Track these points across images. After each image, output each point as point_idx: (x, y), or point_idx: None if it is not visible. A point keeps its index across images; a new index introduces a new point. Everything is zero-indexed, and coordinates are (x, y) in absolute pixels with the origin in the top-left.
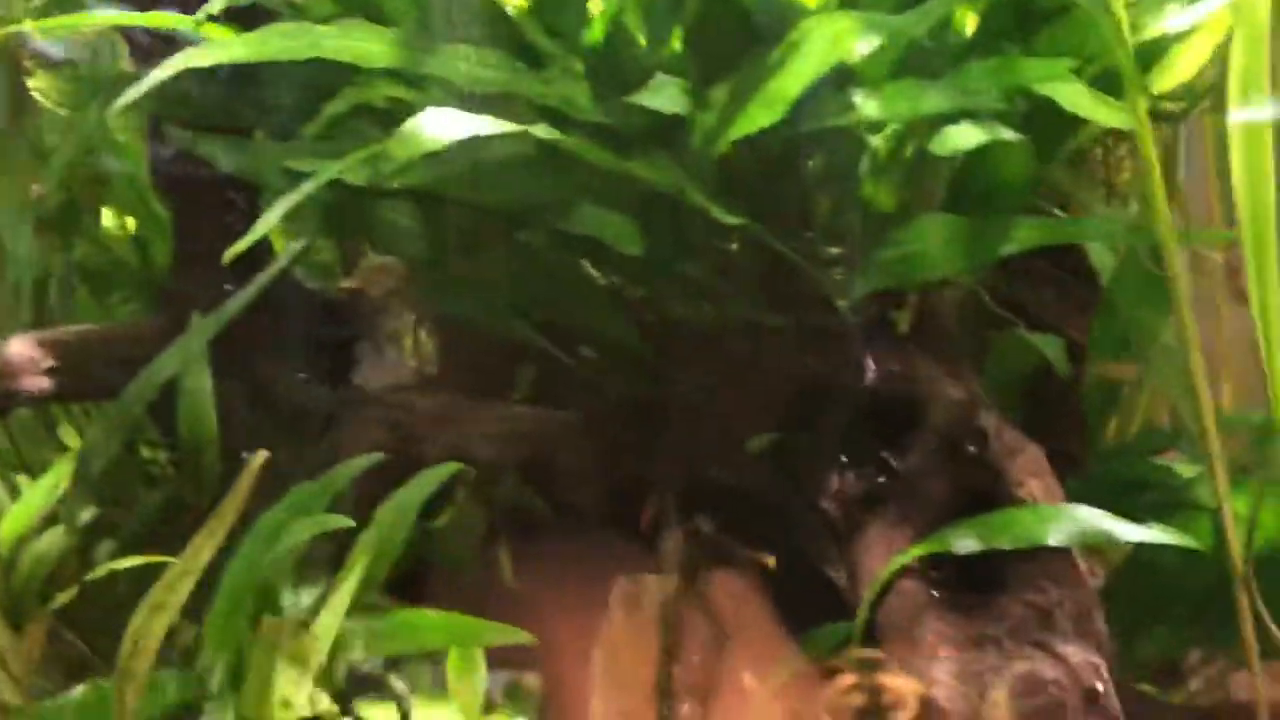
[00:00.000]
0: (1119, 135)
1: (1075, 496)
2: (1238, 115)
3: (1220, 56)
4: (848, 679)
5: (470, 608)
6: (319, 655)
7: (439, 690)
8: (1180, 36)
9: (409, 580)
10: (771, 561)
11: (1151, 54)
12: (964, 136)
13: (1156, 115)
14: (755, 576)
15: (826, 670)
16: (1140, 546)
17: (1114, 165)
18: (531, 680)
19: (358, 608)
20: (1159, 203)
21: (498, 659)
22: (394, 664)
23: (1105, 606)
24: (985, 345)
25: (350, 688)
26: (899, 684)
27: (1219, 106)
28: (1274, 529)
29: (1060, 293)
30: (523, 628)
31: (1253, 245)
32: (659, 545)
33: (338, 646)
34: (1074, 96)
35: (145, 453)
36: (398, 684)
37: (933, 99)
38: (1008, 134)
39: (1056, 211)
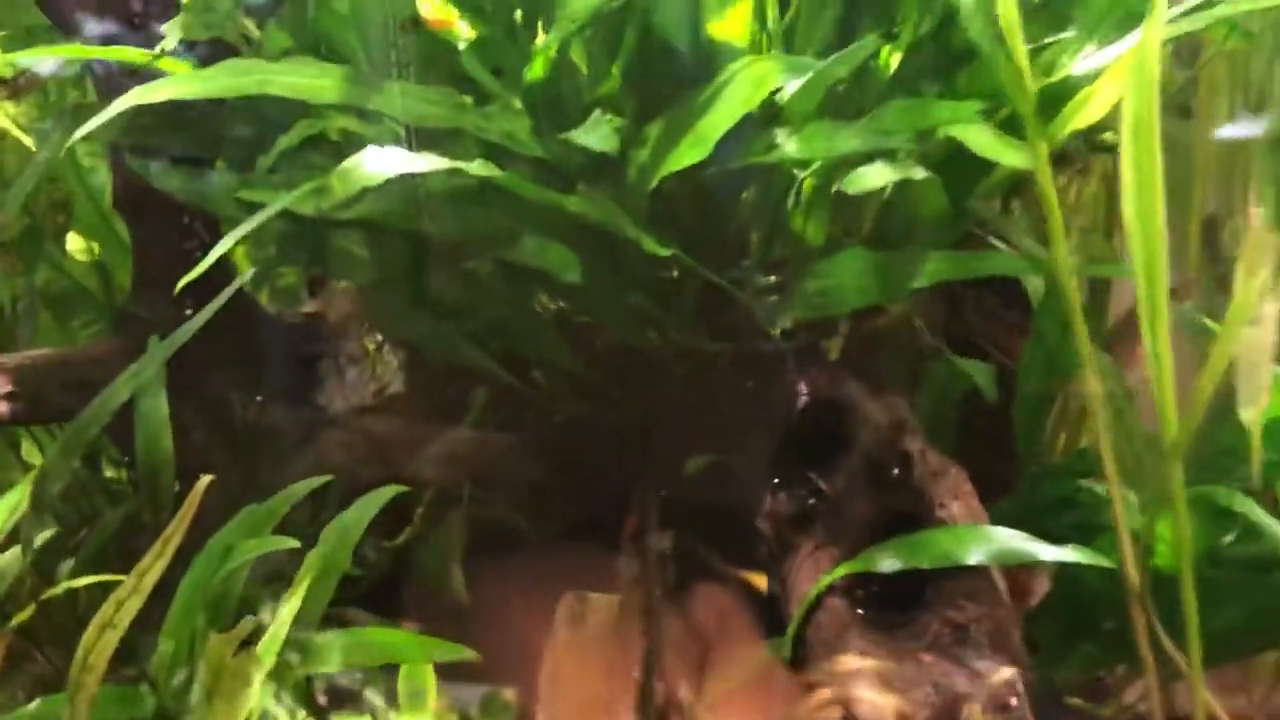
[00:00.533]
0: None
1: (1007, 517)
2: (1127, 162)
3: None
4: (824, 693)
5: (437, 619)
6: (262, 670)
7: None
8: (1090, 78)
9: (385, 594)
10: (759, 580)
11: (1063, 93)
12: (876, 175)
13: (1095, 148)
14: (736, 591)
15: (805, 685)
16: (1065, 566)
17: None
18: (508, 693)
19: (333, 623)
20: (1057, 237)
21: (473, 671)
22: (370, 678)
23: (1040, 623)
24: (922, 371)
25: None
26: (876, 699)
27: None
28: (1174, 544)
29: (996, 321)
30: (483, 638)
31: (1145, 283)
32: (636, 558)
33: (312, 660)
34: (979, 138)
35: (109, 472)
36: (374, 698)
37: (848, 139)
38: (919, 173)
39: (997, 243)
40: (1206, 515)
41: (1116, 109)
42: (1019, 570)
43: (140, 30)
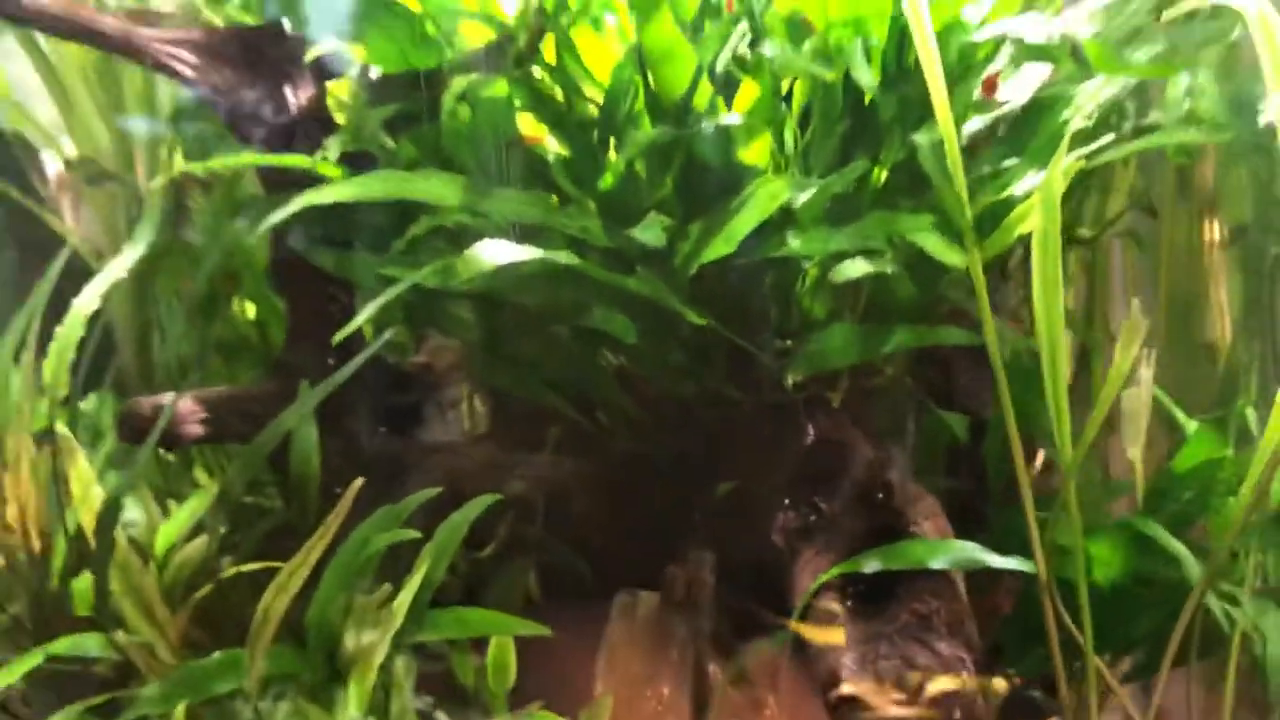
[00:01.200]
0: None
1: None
2: (1036, 265)
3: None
4: None
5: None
6: (397, 622)
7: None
8: (1026, 197)
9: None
10: (805, 630)
11: (1007, 208)
12: (855, 268)
13: (1073, 240)
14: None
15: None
16: (1026, 587)
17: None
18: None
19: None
20: (986, 319)
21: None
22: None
23: (1005, 631)
24: (913, 421)
25: None
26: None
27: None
28: (1113, 563)
29: (974, 379)
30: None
31: (1047, 353)
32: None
33: (424, 629)
34: (931, 243)
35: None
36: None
37: (838, 240)
38: (889, 266)
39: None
40: (1135, 542)
41: (1088, 211)
42: (992, 591)
43: (298, 139)
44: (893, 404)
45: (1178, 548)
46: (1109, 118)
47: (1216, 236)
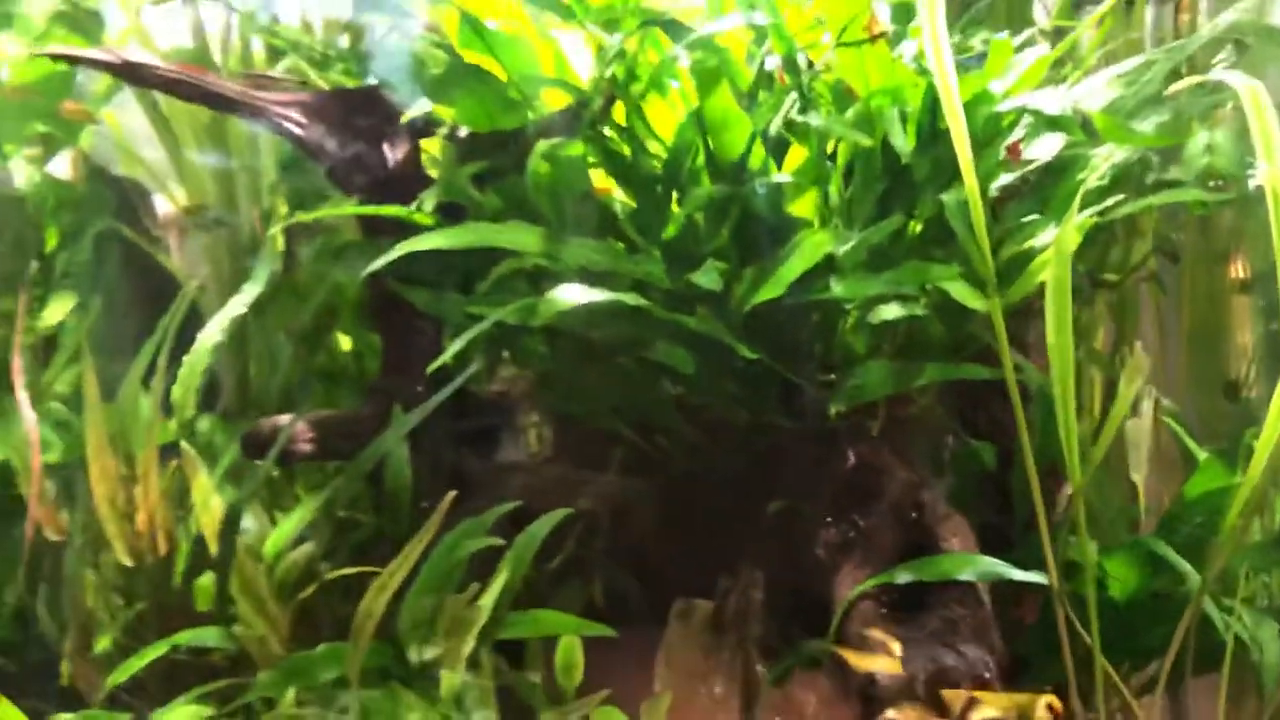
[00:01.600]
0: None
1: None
2: (1049, 308)
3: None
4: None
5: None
6: (483, 620)
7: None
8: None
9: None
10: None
11: (1028, 258)
12: (889, 311)
13: (1098, 284)
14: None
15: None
16: (1046, 605)
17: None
18: None
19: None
20: (1005, 359)
21: None
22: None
23: (1029, 645)
24: (946, 448)
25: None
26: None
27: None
28: (1128, 580)
29: (1003, 410)
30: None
31: (1059, 386)
32: (741, 616)
33: (505, 627)
34: (959, 290)
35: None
36: None
37: (874, 286)
38: (919, 309)
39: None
40: (1148, 560)
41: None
42: (1018, 604)
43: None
44: (928, 432)
45: (1184, 566)
46: (1134, 170)
47: (1241, 276)
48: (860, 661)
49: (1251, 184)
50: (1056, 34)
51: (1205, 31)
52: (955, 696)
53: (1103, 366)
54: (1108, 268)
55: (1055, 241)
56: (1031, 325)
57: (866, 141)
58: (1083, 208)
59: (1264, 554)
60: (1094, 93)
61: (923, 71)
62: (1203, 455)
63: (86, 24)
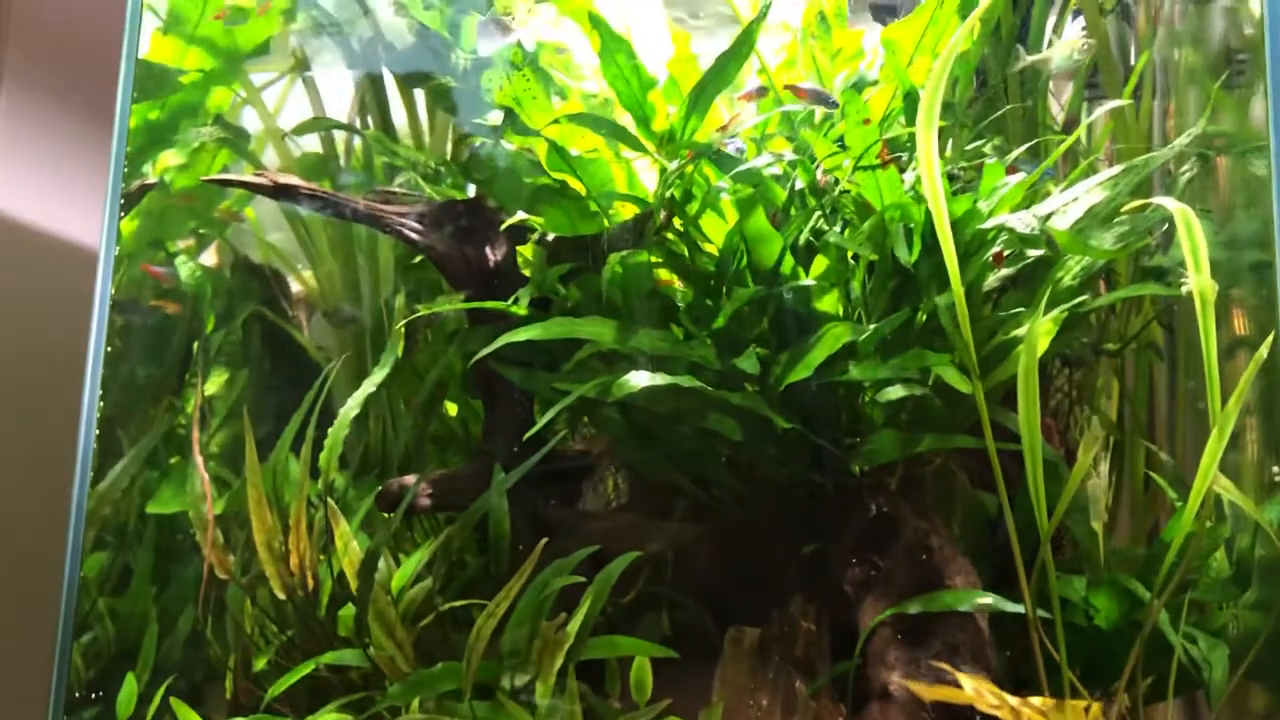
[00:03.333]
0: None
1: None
2: (1020, 386)
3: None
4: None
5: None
6: (569, 642)
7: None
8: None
9: None
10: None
11: (1013, 345)
12: (894, 392)
13: (1099, 352)
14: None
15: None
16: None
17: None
18: None
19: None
20: (986, 430)
21: None
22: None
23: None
24: (960, 500)
25: None
26: (902, 681)
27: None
28: (1111, 611)
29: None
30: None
31: (1028, 448)
32: (784, 641)
33: (586, 649)
34: (950, 375)
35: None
36: None
37: (883, 370)
38: (919, 390)
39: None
40: (1125, 595)
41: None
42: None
43: (496, 286)
44: (943, 486)
45: (1150, 598)
46: (1139, 255)
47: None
48: (925, 692)
49: (1184, 290)
50: (1069, 125)
51: (1165, 151)
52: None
53: (1107, 427)
54: (1109, 338)
55: (1026, 336)
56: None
57: (872, 256)
58: (1063, 300)
59: (1225, 589)
60: (1073, 202)
61: (918, 198)
62: (1179, 503)
63: (236, 141)
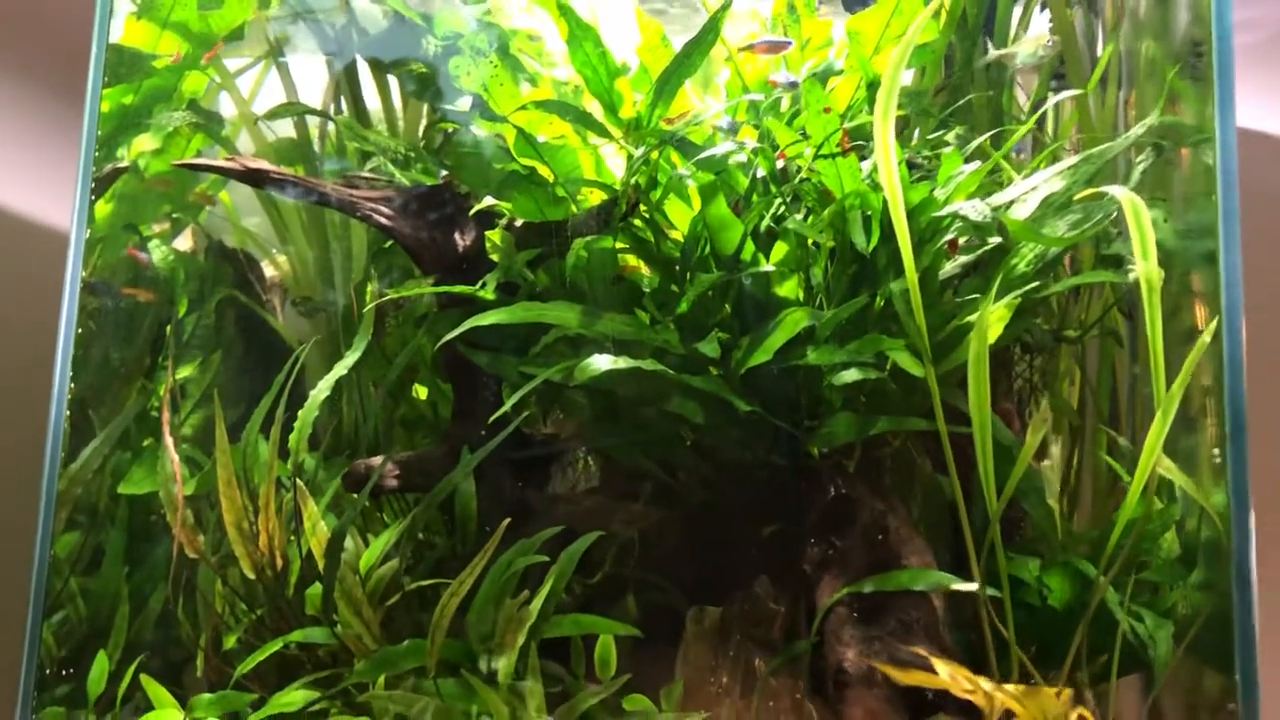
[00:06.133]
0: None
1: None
2: (971, 372)
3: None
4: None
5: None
6: (532, 619)
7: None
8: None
9: None
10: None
11: (965, 332)
12: (849, 375)
13: (1059, 339)
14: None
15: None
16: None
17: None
18: None
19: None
20: (938, 414)
21: None
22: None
23: None
24: (918, 482)
25: None
26: (856, 658)
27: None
28: (1063, 592)
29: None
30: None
31: (978, 431)
32: (744, 620)
33: (550, 627)
34: (903, 359)
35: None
36: None
37: (840, 355)
38: (874, 374)
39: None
40: (1077, 577)
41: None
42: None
43: (465, 271)
44: (903, 471)
45: (1102, 580)
46: (1098, 243)
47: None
48: (900, 676)
49: (1130, 276)
50: (1034, 112)
51: (1120, 141)
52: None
53: (1067, 413)
54: (1070, 325)
55: (976, 322)
56: (999, 379)
57: (830, 242)
58: (1016, 287)
59: (1172, 569)
60: (1031, 191)
61: (876, 186)
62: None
63: (210, 125)
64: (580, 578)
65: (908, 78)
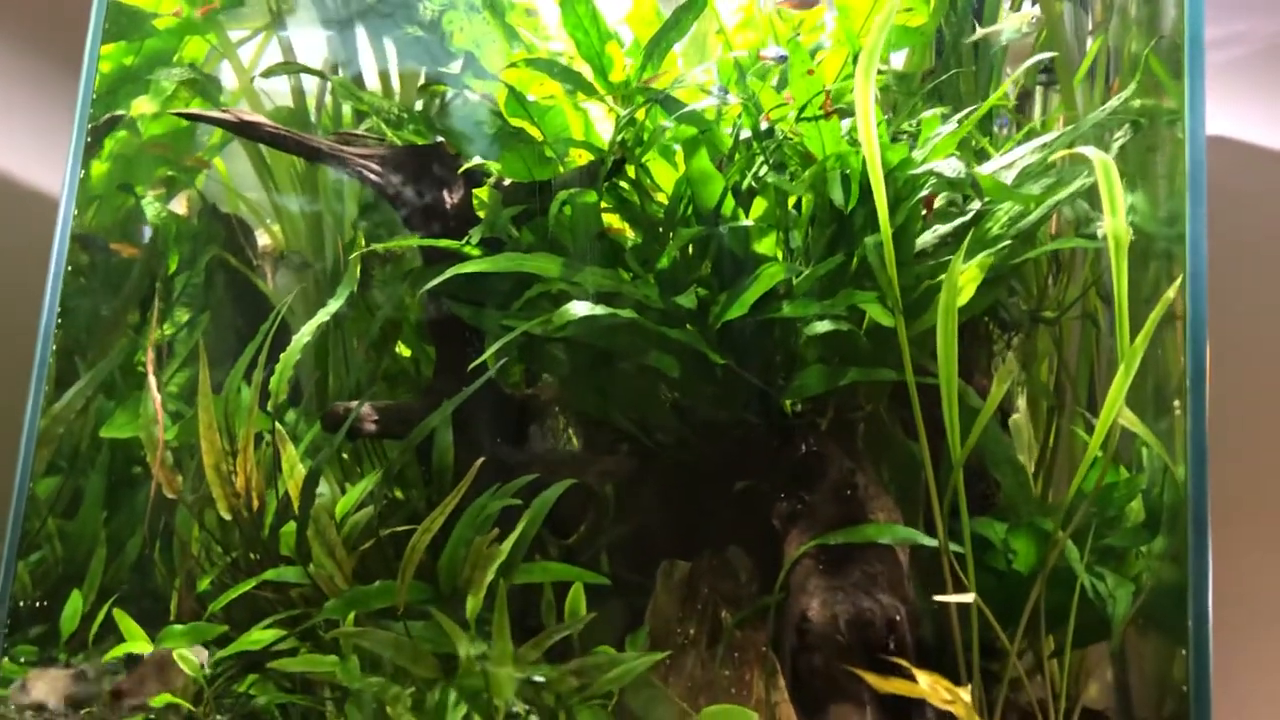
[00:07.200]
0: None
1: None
2: (940, 335)
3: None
4: None
5: None
6: (502, 557)
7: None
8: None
9: None
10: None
11: (935, 291)
12: (820, 326)
13: (1037, 319)
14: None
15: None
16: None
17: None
18: None
19: None
20: (907, 369)
21: None
22: None
23: None
24: (889, 445)
25: None
26: (820, 608)
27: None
28: (1028, 554)
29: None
30: None
31: (945, 386)
32: (712, 574)
33: (520, 573)
34: (875, 310)
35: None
36: None
37: (814, 308)
38: (844, 326)
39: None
40: (1042, 539)
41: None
42: None
43: (452, 228)
44: (876, 435)
45: (1068, 544)
46: (1078, 226)
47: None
48: (881, 684)
49: (1099, 234)
50: (1022, 100)
51: (1095, 114)
52: None
53: (1042, 392)
54: (1048, 306)
55: (946, 278)
56: (970, 355)
57: (808, 196)
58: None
59: (1136, 534)
60: (1011, 159)
61: (854, 143)
62: (1097, 455)
63: (208, 87)
64: (557, 539)
65: (898, 61)
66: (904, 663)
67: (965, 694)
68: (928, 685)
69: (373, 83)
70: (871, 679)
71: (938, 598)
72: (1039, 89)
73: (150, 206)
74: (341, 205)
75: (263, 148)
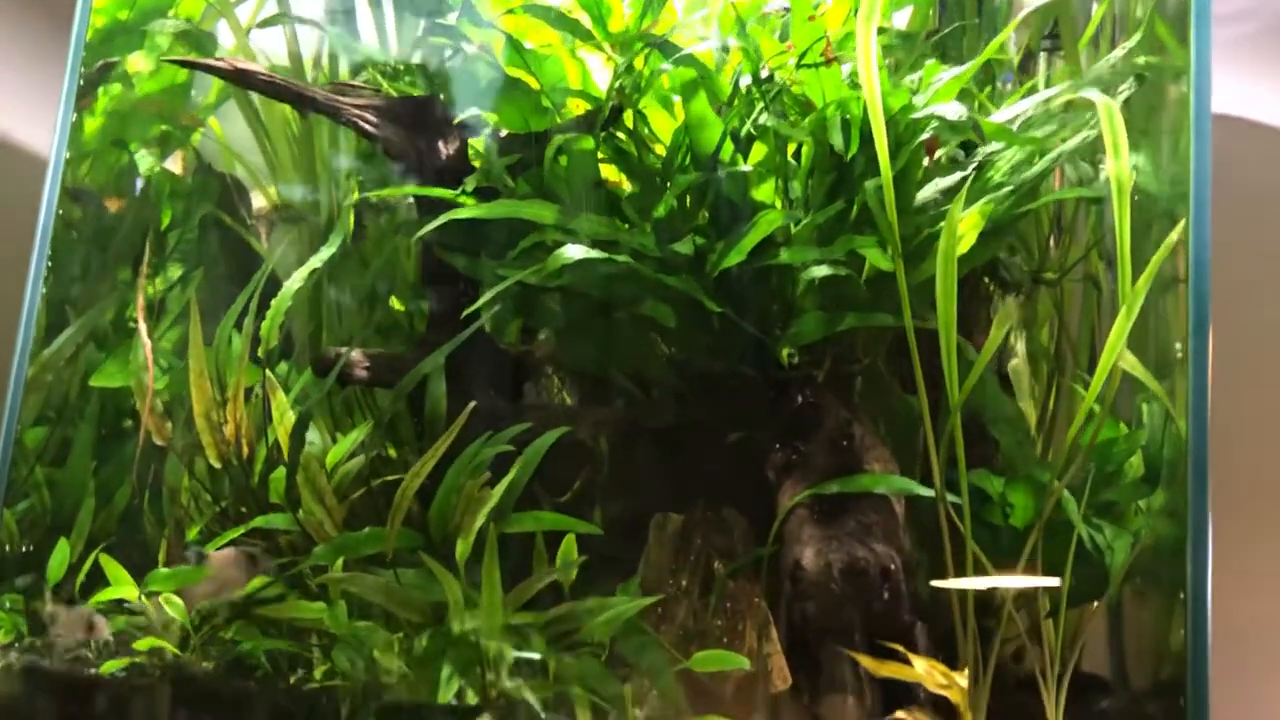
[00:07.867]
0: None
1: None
2: (940, 286)
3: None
4: None
5: None
6: (493, 502)
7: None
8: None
9: None
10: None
11: (935, 238)
12: (818, 270)
13: (1038, 280)
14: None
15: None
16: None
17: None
18: None
19: None
20: (906, 316)
21: None
22: None
23: None
24: (887, 398)
25: None
26: (814, 557)
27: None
28: (1027, 508)
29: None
30: None
31: (944, 331)
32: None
33: (510, 523)
34: (874, 255)
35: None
36: None
37: (812, 254)
38: (842, 270)
39: None
40: (1040, 491)
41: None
42: None
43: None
44: (873, 389)
45: (1066, 496)
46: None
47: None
48: (876, 668)
49: (1102, 176)
50: (1025, 61)
51: (1098, 65)
52: None
53: (1042, 355)
54: (1049, 268)
55: (946, 222)
56: (969, 311)
57: (809, 141)
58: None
59: (1135, 489)
60: (1018, 108)
61: (855, 86)
62: (1096, 409)
63: (203, 41)
64: (550, 495)
65: (901, 21)
66: (899, 647)
67: (961, 679)
68: (924, 670)
69: (369, 38)
70: (867, 662)
71: (935, 583)
72: (1044, 55)
73: (144, 160)
74: (339, 163)
75: (259, 106)
